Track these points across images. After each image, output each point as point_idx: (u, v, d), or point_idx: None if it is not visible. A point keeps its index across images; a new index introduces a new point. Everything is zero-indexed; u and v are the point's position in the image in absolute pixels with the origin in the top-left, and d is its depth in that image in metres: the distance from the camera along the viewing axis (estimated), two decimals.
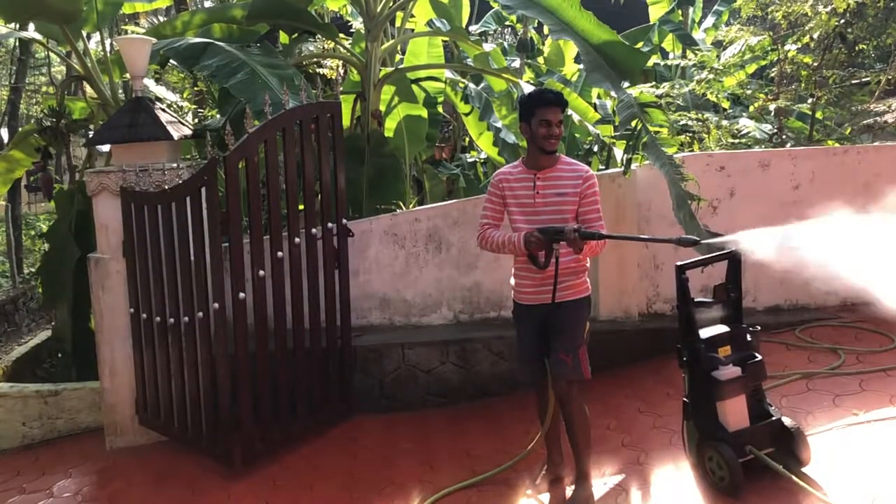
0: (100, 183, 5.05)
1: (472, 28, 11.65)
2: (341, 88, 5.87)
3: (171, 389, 4.87)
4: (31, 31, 7.64)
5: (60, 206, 7.00)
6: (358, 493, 4.09)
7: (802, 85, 7.20)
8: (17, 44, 12.22)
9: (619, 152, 6.47)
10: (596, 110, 8.97)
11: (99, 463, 4.96)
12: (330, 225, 4.94)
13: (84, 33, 7.18)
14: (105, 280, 5.11)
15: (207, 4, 11.78)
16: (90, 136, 6.75)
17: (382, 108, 7.64)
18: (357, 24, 9.44)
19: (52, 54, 9.50)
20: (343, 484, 4.22)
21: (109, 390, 5.16)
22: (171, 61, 6.98)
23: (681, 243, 2.99)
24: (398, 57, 9.04)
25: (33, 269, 12.03)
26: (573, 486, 3.50)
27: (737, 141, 6.62)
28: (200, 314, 4.56)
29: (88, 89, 7.28)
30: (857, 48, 7.15)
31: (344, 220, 5.05)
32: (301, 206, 4.87)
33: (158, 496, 4.39)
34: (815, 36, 6.67)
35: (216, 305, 4.41)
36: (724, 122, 6.86)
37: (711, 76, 7.07)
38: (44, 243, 10.19)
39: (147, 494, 4.42)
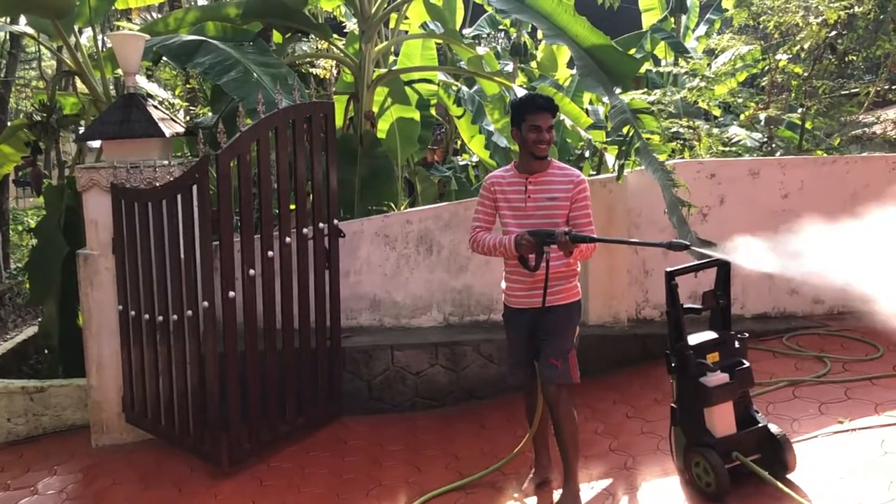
0: (90, 179, 5.02)
1: (466, 31, 11.65)
2: (334, 89, 5.85)
3: (159, 387, 4.85)
4: (23, 25, 7.58)
5: (49, 202, 6.95)
6: (345, 494, 4.09)
7: (793, 95, 7.25)
8: (7, 37, 12.15)
9: (610, 158, 6.50)
10: (588, 115, 9.00)
11: (84, 460, 4.93)
12: (321, 225, 4.94)
13: (76, 28, 7.13)
14: (94, 276, 5.08)
15: (201, 2, 11.74)
16: (81, 131, 6.71)
17: (375, 109, 7.64)
18: (351, 25, 9.44)
19: (43, 49, 9.43)
20: (330, 485, 4.21)
21: (96, 387, 5.14)
22: (164, 58, 6.96)
23: (671, 247, 3.01)
24: (391, 58, 9.05)
25: (20, 265, 11.95)
26: (560, 490, 3.52)
27: (727, 149, 6.65)
28: (189, 312, 4.55)
29: (80, 84, 7.23)
30: (846, 59, 7.20)
31: (335, 221, 5.05)
32: (292, 206, 4.86)
33: (144, 495, 4.37)
34: (806, 46, 6.71)
35: (206, 304, 4.40)
36: (715, 130, 6.89)
37: (703, 84, 7.10)
38: (32, 238, 10.13)
39: (133, 493, 4.40)
